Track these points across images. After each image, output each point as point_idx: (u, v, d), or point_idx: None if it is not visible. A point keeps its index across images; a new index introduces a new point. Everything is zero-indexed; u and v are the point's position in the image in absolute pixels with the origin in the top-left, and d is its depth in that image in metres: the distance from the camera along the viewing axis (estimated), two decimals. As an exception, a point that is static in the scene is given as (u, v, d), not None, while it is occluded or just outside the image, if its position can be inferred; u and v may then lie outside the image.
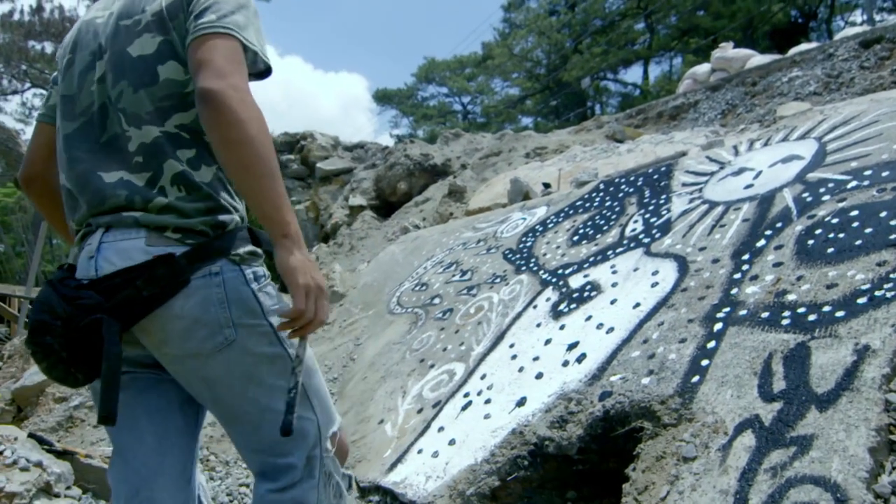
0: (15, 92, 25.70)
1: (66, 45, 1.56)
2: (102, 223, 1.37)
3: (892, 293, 1.91)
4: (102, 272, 1.32)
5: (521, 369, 2.69)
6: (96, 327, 1.26)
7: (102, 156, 1.40)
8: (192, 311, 1.33)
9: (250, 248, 1.44)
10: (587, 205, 4.15)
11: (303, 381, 1.39)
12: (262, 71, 1.46)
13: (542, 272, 3.52)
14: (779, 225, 2.59)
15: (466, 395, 2.77)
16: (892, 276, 1.98)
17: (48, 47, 24.11)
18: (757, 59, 9.42)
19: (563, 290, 3.16)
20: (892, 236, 2.13)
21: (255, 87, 1.42)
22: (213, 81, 1.26)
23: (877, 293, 1.94)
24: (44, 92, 26.71)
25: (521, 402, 2.45)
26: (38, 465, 2.34)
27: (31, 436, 2.57)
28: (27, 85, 25.19)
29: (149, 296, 1.30)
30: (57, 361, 1.31)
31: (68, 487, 2.45)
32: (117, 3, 1.50)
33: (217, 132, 1.28)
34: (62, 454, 2.55)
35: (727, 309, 2.26)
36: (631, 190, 3.96)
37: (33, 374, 4.32)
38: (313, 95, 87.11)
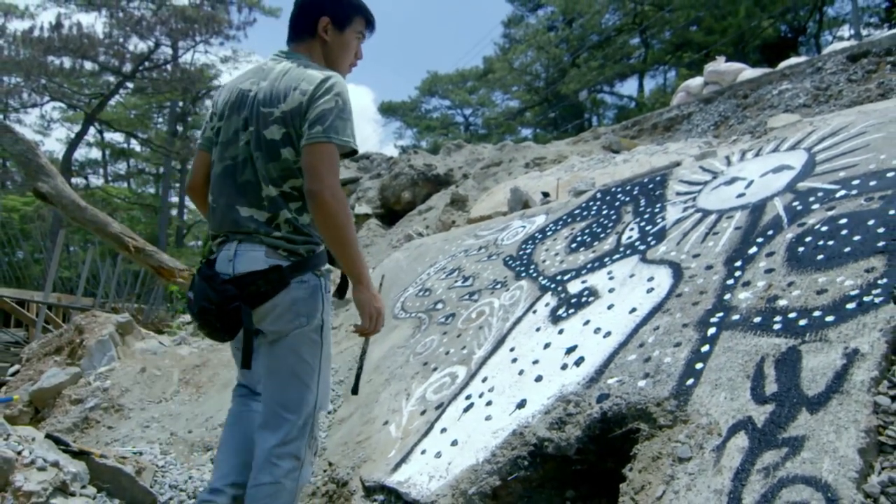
0: (34, 105, 25.88)
1: (223, 101, 2.12)
2: (237, 238, 2.01)
3: (880, 298, 1.91)
4: (238, 272, 1.96)
5: (521, 372, 2.69)
6: (237, 310, 1.92)
7: (240, 195, 2.02)
8: (286, 304, 1.96)
9: (327, 266, 2.11)
10: (585, 213, 4.15)
11: (321, 364, 2.06)
12: (351, 152, 2.00)
13: (541, 278, 3.52)
14: (770, 233, 2.58)
15: (468, 397, 2.76)
16: (879, 282, 1.98)
17: (66, 62, 24.28)
18: (748, 72, 9.43)
19: (562, 295, 3.16)
20: (880, 243, 2.13)
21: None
22: (315, 185, 1.87)
23: (865, 298, 1.94)
24: (62, 105, 26.87)
25: (522, 405, 2.45)
26: (55, 464, 2.34)
27: (48, 436, 2.57)
28: (46, 98, 25.34)
29: (264, 291, 1.94)
30: (214, 330, 2.01)
31: (83, 486, 2.45)
32: (262, 85, 2.03)
33: (317, 217, 1.91)
34: (78, 454, 2.55)
35: (720, 314, 2.26)
36: (627, 199, 3.96)
37: (50, 377, 4.33)
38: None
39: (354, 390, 2.19)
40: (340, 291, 2.27)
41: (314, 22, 2.10)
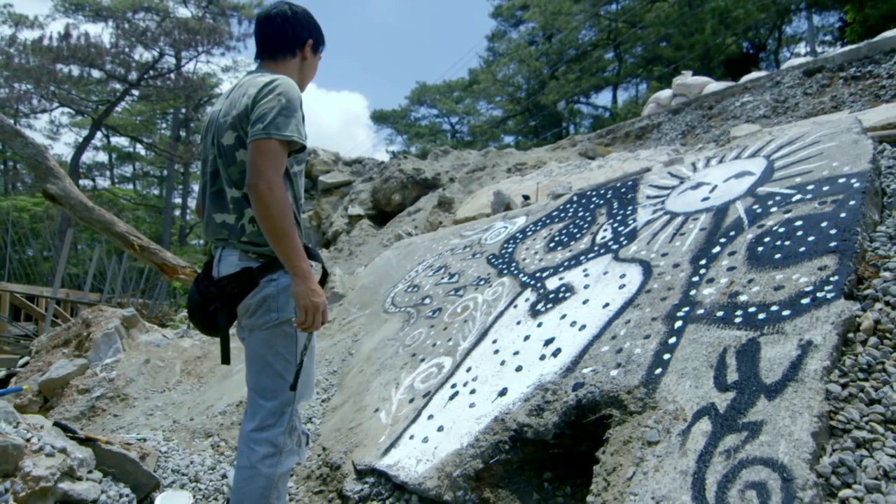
0: (44, 111, 25.46)
1: (204, 125, 2.19)
2: (221, 245, 2.09)
3: (832, 294, 1.94)
4: (219, 276, 2.04)
5: (502, 363, 2.69)
6: (214, 311, 2.01)
7: (214, 203, 2.06)
8: (257, 300, 1.99)
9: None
10: (562, 215, 4.17)
11: (297, 360, 2.03)
12: (299, 148, 1.96)
13: (521, 275, 3.53)
14: (732, 233, 2.61)
15: (453, 386, 2.76)
16: (832, 279, 2.00)
17: (75, 70, 23.93)
18: (713, 85, 9.51)
19: (541, 291, 3.17)
20: (832, 244, 2.16)
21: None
22: (253, 178, 1.82)
23: (818, 294, 1.96)
24: (70, 111, 26.49)
25: (503, 393, 2.45)
26: (63, 451, 2.31)
27: (56, 424, 2.54)
28: (55, 104, 24.95)
29: (238, 291, 2.00)
30: (199, 324, 2.07)
31: (90, 471, 2.42)
32: (225, 101, 2.06)
33: (256, 210, 1.84)
34: (84, 441, 2.52)
35: (686, 308, 2.28)
36: (601, 202, 3.98)
37: (59, 368, 4.27)
38: (316, 112, 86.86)
39: (293, 386, 2.01)
40: (320, 284, 2.19)
41: (302, 42, 2.15)
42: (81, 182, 27.96)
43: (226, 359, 2.04)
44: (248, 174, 1.83)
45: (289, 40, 2.12)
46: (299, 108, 1.96)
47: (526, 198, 6.15)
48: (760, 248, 2.37)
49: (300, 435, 2.11)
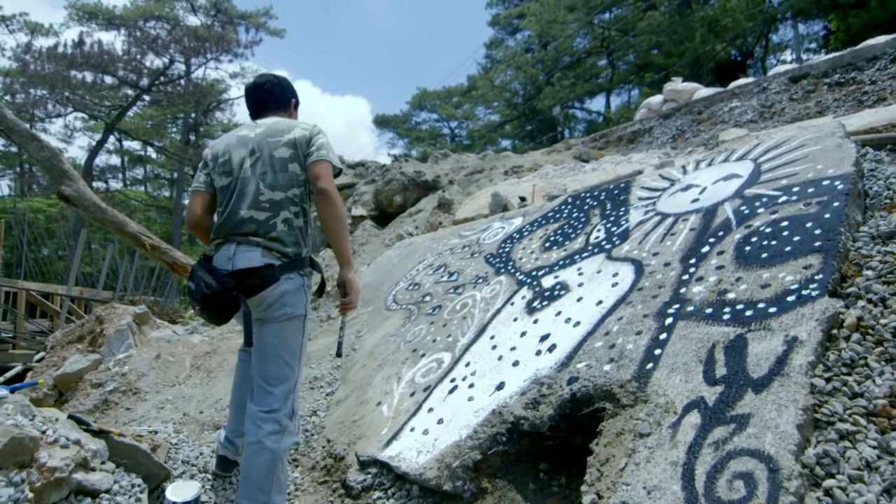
0: (59, 115, 25.39)
1: (223, 145, 2.47)
2: (236, 241, 2.26)
3: (817, 292, 1.94)
4: (236, 268, 2.21)
5: (500, 358, 2.69)
6: (234, 298, 2.16)
7: (241, 201, 2.30)
8: (276, 295, 2.22)
9: (309, 269, 2.37)
10: (557, 216, 4.17)
11: (301, 349, 2.29)
12: (338, 172, 2.39)
13: (518, 274, 3.53)
14: (720, 233, 2.61)
15: (453, 380, 2.76)
16: (816, 277, 2.00)
17: (88, 76, 23.89)
18: (702, 91, 9.52)
19: (537, 289, 3.16)
20: (817, 243, 2.16)
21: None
22: (326, 185, 2.25)
23: (804, 292, 1.97)
24: (84, 116, 26.46)
25: (500, 387, 2.45)
26: (77, 442, 2.31)
27: (70, 417, 2.53)
28: (69, 109, 24.90)
29: (259, 284, 2.20)
30: (212, 314, 2.19)
31: (103, 462, 2.41)
32: (260, 129, 2.44)
33: (327, 211, 2.24)
34: (98, 433, 2.51)
35: (677, 306, 2.28)
36: (595, 203, 3.98)
37: (73, 363, 4.26)
38: (321, 116, 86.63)
39: (339, 353, 2.46)
40: (320, 291, 2.57)
41: (288, 101, 2.67)
42: (95, 184, 27.93)
43: (249, 341, 2.30)
44: (319, 182, 2.25)
45: (281, 98, 2.65)
46: None
47: (522, 199, 6.15)
48: (748, 248, 2.38)
49: (299, 419, 2.39)
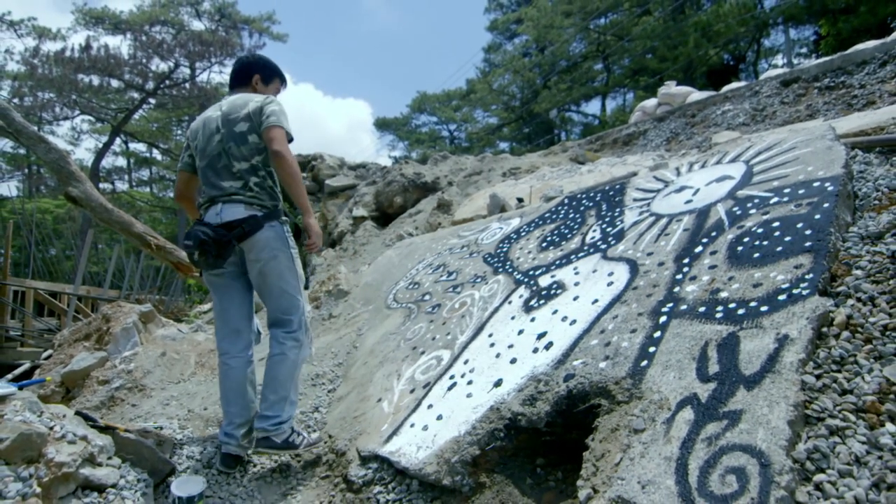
0: (66, 118, 25.42)
1: (196, 128, 2.87)
2: (221, 200, 2.67)
3: (807, 291, 1.94)
4: (225, 220, 2.62)
5: (498, 355, 2.69)
6: (229, 241, 2.57)
7: (219, 175, 2.71)
8: (264, 239, 2.64)
9: (284, 217, 2.77)
10: (554, 216, 4.17)
11: (298, 280, 2.75)
12: (291, 139, 2.70)
13: (516, 273, 3.53)
14: (713, 234, 2.61)
15: (452, 377, 2.76)
16: (807, 276, 2.01)
17: (95, 80, 23.88)
18: (696, 95, 9.52)
19: (534, 288, 3.17)
20: (807, 244, 2.16)
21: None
22: (278, 146, 2.60)
23: (794, 291, 1.97)
24: (91, 118, 26.49)
25: (498, 384, 2.45)
26: (84, 438, 2.30)
27: (77, 413, 2.53)
28: (76, 112, 24.92)
29: (247, 231, 2.61)
30: (209, 257, 2.56)
31: (109, 457, 2.41)
32: (224, 107, 2.80)
33: (282, 169, 2.63)
34: (104, 429, 2.51)
35: (670, 304, 2.28)
36: (590, 204, 3.98)
37: (80, 361, 4.25)
38: (322, 118, 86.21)
39: (305, 286, 2.78)
40: (296, 237, 2.87)
41: (251, 77, 2.98)
42: (101, 185, 27.90)
43: (220, 263, 2.61)
44: (273, 145, 2.58)
45: (244, 76, 2.99)
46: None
47: (520, 200, 6.15)
48: (740, 248, 2.38)
49: (311, 337, 2.90)
